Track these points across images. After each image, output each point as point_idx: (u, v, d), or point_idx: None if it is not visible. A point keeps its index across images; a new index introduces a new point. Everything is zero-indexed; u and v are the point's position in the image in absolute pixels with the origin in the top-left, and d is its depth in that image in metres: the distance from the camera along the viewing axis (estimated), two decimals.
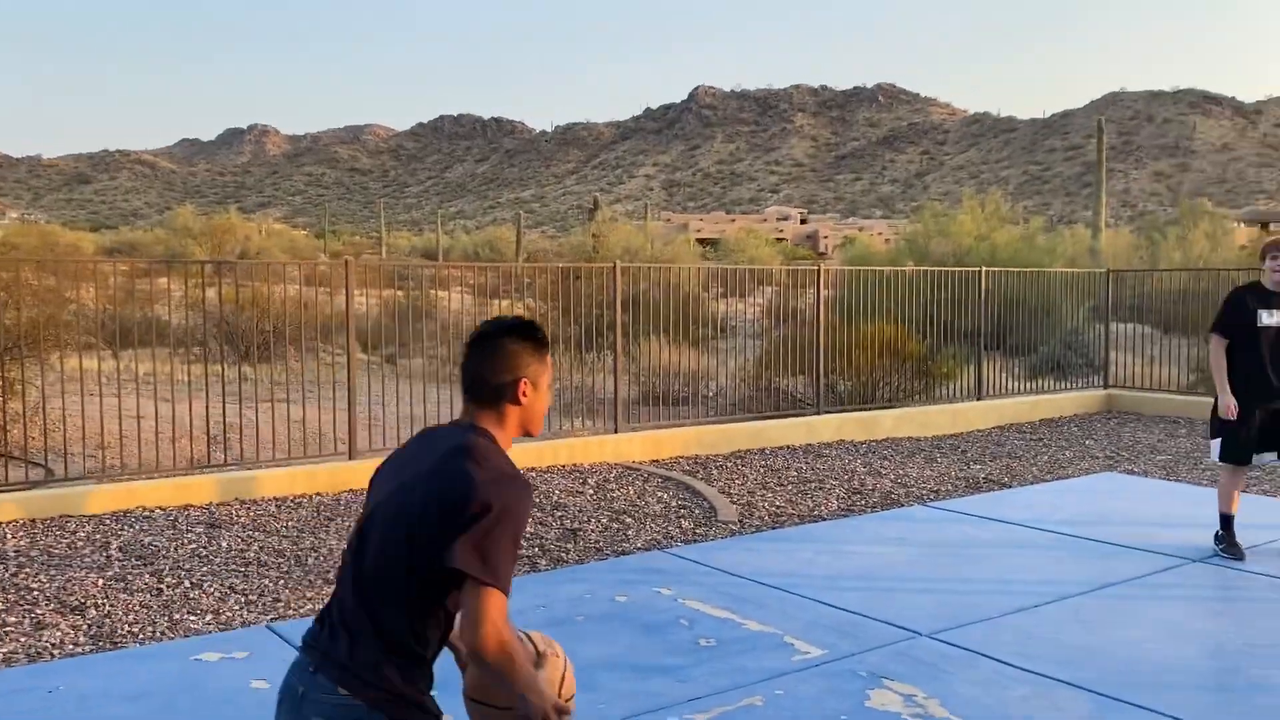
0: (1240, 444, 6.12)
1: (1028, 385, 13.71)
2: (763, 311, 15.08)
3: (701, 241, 68.63)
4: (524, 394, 2.30)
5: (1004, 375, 13.51)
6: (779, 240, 79.69)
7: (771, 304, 14.62)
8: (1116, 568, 6.06)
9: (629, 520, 7.39)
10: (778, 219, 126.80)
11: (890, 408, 11.78)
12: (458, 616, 2.15)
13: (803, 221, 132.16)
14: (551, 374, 2.41)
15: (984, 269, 12.97)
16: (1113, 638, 4.89)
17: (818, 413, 11.20)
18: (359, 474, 8.09)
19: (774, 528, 7.29)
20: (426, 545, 2.09)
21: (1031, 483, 8.99)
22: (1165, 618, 5.20)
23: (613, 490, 8.35)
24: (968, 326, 12.75)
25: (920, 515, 7.56)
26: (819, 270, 11.56)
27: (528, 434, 2.38)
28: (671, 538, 6.97)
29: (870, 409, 11.65)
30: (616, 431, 9.80)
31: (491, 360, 2.29)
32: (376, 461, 2.43)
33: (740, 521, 7.46)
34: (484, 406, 2.29)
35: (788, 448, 10.46)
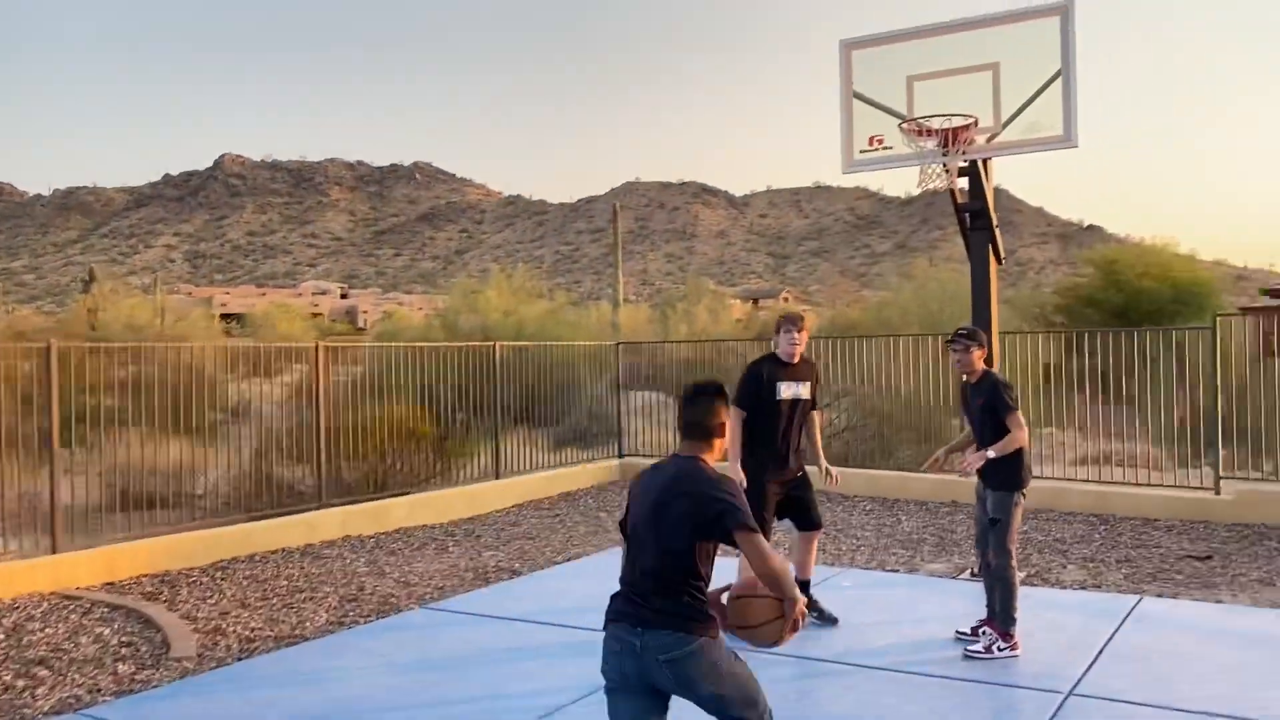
0: (757, 516, 6.01)
1: (552, 458, 13.59)
2: (293, 392, 13.63)
3: (226, 317, 63.92)
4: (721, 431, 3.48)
5: (530, 449, 13.26)
6: (315, 315, 76.64)
7: (301, 384, 13.24)
8: None
9: (44, 673, 5.80)
10: (314, 293, 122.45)
11: (404, 494, 10.96)
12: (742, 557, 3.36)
13: (343, 296, 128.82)
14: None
15: (498, 343, 12.70)
16: None
17: (320, 506, 10.08)
18: None
19: (242, 658, 6.10)
20: (705, 525, 3.23)
21: (543, 566, 8.60)
22: None
23: (33, 632, 6.63)
24: (488, 401, 12.37)
25: (418, 621, 6.77)
26: (316, 348, 10.52)
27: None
28: (98, 691, 5.52)
29: (381, 498, 10.75)
30: (55, 551, 7.97)
31: (703, 410, 3.45)
32: None
33: (200, 656, 6.17)
34: (698, 441, 3.45)
35: (283, 551, 9.22)
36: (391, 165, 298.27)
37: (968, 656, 5.67)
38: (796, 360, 6.22)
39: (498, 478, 12.11)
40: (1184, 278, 26.74)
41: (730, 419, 6.26)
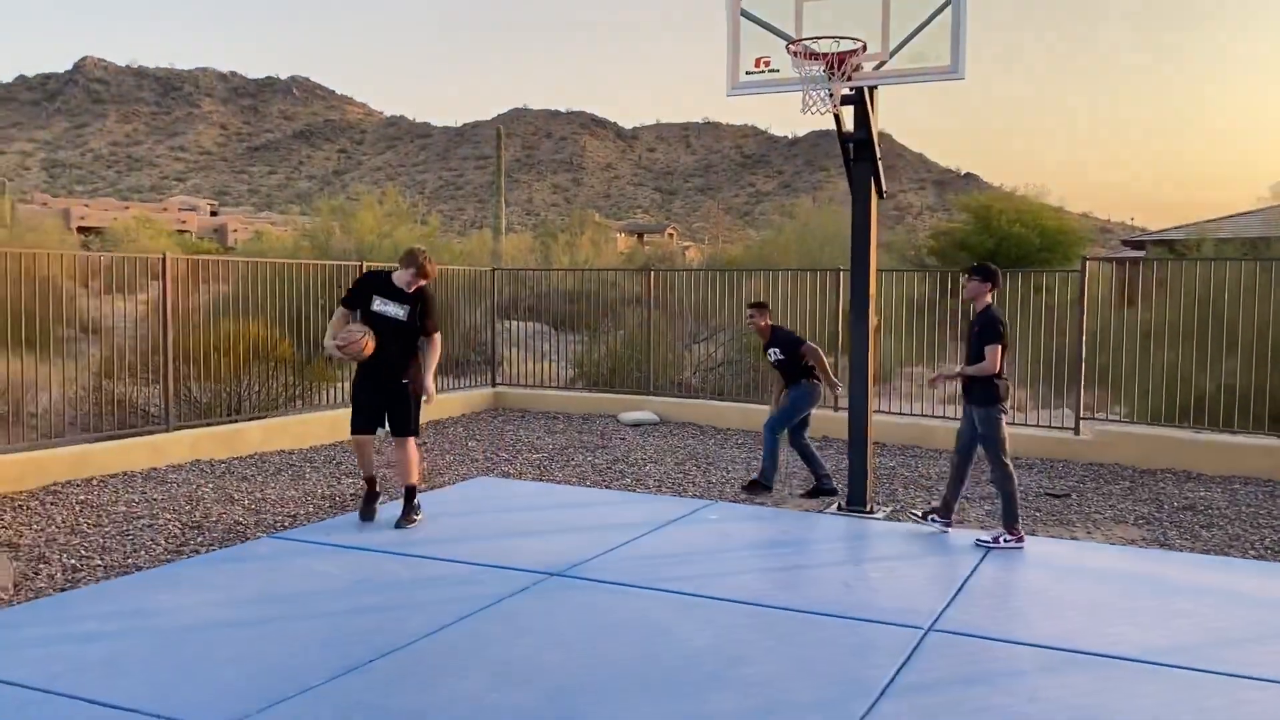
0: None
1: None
2: (150, 310, 12.72)
3: (85, 230, 60.33)
4: None
5: None
6: (182, 232, 73.07)
7: (163, 301, 12.32)
8: (472, 592, 5.42)
9: None
10: (181, 209, 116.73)
11: (260, 418, 10.42)
12: None
13: (213, 213, 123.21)
14: None
15: (366, 264, 12.11)
16: (437, 697, 4.14)
17: (168, 429, 9.48)
18: None
19: (65, 588, 5.63)
20: None
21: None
22: (504, 656, 4.59)
23: None
24: None
25: (263, 551, 6.37)
26: (164, 260, 9.81)
27: None
28: None
29: (236, 421, 10.19)
30: None
31: None
32: None
33: (17, 586, 5.67)
34: None
35: (124, 475, 8.64)
36: (268, 78, 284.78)
37: (979, 544, 6.61)
38: (413, 290, 6.85)
39: None
40: (1052, 226, 27.60)
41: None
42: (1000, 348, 6.45)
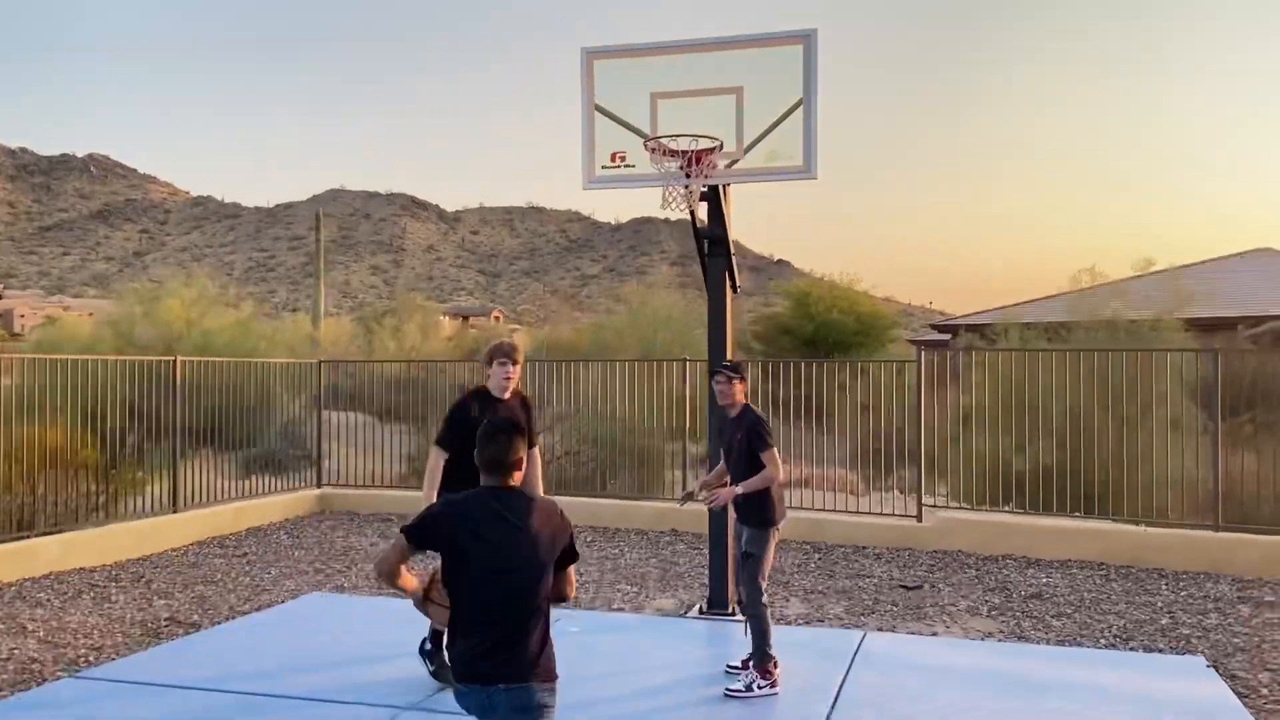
0: None
1: (241, 487, 12.21)
2: None
3: None
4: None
5: (215, 476, 11.84)
6: None
7: None
8: None
9: None
10: None
11: (55, 532, 9.35)
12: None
13: None
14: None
15: (179, 358, 11.24)
16: None
17: None
18: None
19: None
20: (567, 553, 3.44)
21: (228, 617, 7.49)
22: None
23: None
24: (167, 423, 10.88)
25: (67, 695, 5.55)
26: None
27: None
28: None
29: (27, 537, 9.09)
30: None
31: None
32: None
33: None
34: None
35: None
36: (62, 155, 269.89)
37: (728, 696, 5.51)
38: (508, 396, 5.70)
39: (175, 511, 10.68)
40: (866, 311, 28.85)
41: (431, 457, 5.65)
42: (776, 450, 5.65)
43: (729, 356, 7.30)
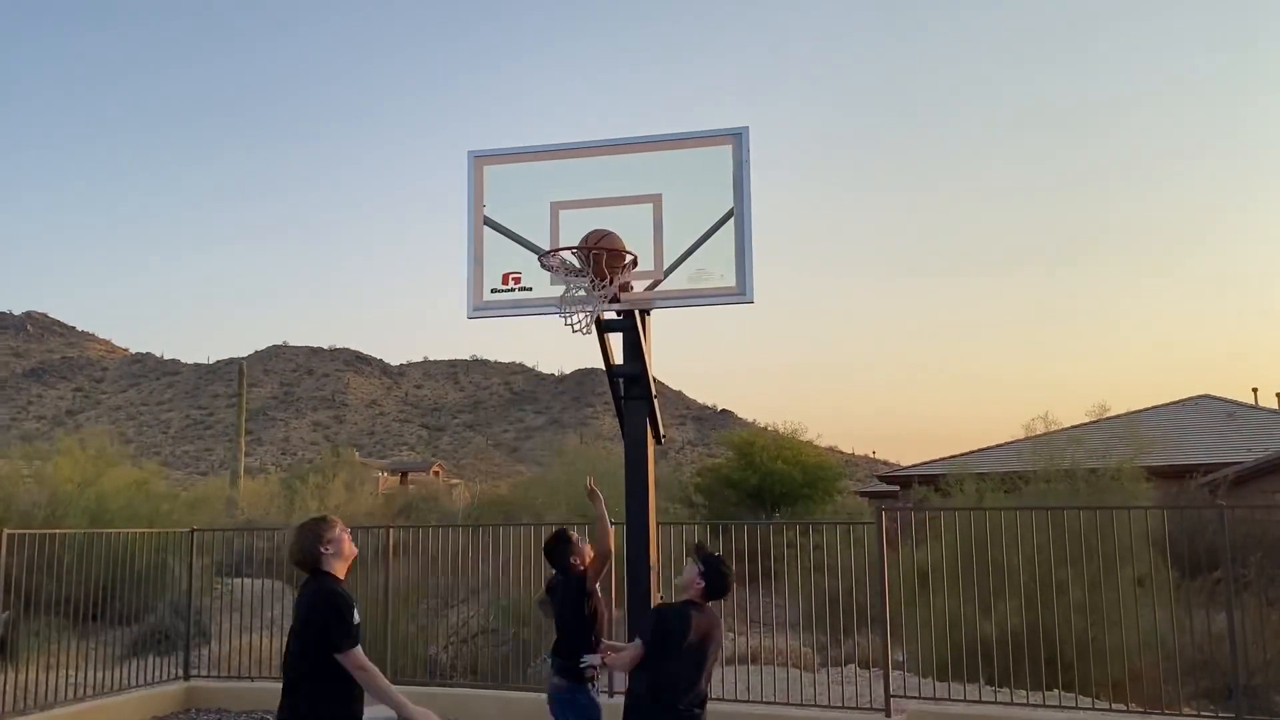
0: None
1: (107, 679, 10.19)
2: None
3: None
4: None
5: (80, 667, 9.93)
6: None
7: None
8: None
9: None
10: None
11: None
12: None
13: None
14: None
15: (5, 530, 9.44)
16: None
17: None
18: None
19: None
20: None
21: None
22: None
23: None
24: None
25: None
26: None
27: None
28: None
29: None
30: None
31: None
32: None
33: None
34: None
35: None
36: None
37: None
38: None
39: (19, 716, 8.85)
40: (812, 462, 27.81)
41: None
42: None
43: (651, 513, 6.03)
